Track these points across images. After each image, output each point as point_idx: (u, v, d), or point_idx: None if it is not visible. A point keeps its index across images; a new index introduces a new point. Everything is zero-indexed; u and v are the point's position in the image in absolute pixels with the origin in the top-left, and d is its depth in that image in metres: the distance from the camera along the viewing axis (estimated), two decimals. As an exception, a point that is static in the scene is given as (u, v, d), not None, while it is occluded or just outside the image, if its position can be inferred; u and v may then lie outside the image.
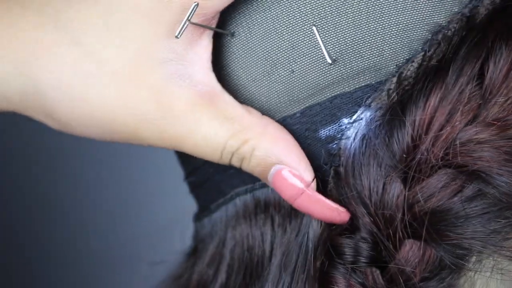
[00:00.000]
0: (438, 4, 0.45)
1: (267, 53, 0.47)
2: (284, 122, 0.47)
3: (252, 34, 0.47)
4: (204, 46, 0.46)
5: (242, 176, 0.49)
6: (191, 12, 0.43)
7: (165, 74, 0.45)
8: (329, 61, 0.45)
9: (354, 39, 0.45)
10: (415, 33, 0.45)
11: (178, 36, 0.44)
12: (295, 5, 0.46)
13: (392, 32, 0.45)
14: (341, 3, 0.45)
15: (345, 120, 0.46)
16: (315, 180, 0.46)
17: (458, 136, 0.43)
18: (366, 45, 0.45)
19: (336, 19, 0.45)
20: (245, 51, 0.47)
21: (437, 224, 0.43)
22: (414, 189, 0.43)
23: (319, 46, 0.46)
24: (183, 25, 0.44)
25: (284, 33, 0.46)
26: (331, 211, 0.45)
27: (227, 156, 0.46)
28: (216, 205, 0.52)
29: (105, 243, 1.13)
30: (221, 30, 0.47)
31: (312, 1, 0.46)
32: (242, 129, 0.45)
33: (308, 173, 0.46)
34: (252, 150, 0.46)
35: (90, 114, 0.45)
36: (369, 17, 0.45)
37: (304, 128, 0.47)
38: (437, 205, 0.43)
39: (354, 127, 0.45)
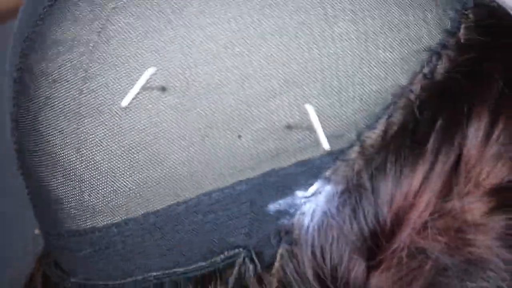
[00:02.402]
0: (402, 69, 0.41)
1: (208, 111, 0.40)
2: (217, 194, 0.41)
3: (192, 87, 0.40)
4: None
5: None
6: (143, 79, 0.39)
7: None
8: (327, 147, 0.39)
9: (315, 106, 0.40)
10: (375, 98, 0.41)
11: (124, 105, 0.39)
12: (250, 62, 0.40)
13: (349, 100, 0.40)
14: (303, 70, 0.40)
15: (300, 194, 0.41)
16: None
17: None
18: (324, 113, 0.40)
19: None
20: (178, 108, 0.40)
21: None
22: (381, 275, 0.40)
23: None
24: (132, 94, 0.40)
25: (237, 86, 0.40)
26: None
27: None
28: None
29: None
30: (149, 85, 0.40)
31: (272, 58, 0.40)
32: None
33: None
34: None
35: None
36: (326, 84, 0.40)
37: (249, 202, 0.41)
38: None
39: (311, 201, 0.41)
